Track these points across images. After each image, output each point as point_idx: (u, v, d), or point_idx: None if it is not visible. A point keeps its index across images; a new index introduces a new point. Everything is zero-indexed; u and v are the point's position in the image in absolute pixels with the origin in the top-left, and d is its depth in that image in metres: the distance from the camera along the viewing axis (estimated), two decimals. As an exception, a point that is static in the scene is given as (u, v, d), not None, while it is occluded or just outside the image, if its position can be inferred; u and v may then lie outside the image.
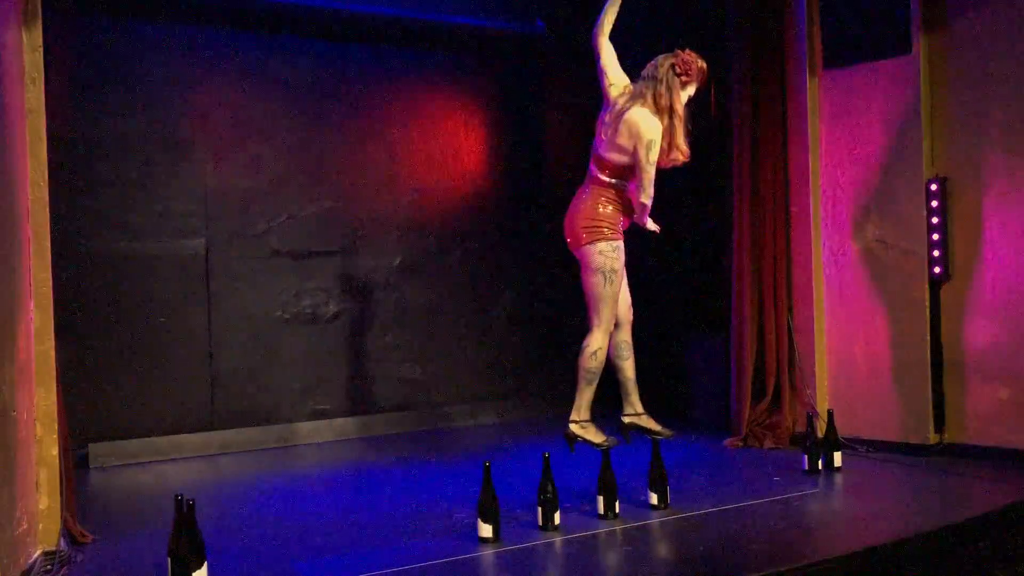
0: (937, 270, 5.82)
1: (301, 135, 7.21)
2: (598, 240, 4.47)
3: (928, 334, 5.83)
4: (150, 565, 3.92)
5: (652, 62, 4.55)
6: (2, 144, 3.79)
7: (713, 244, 7.12)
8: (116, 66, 6.56)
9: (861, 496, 5.04)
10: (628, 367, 4.72)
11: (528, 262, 8.11)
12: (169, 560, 3.52)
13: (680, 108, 4.44)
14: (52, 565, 3.98)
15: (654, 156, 4.37)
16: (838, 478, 5.31)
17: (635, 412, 4.73)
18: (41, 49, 4.21)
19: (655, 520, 4.47)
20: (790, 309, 6.37)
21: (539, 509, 4.30)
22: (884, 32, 5.94)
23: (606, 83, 4.68)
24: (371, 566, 3.84)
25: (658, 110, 4.42)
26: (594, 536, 4.22)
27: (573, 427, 4.47)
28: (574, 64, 8.24)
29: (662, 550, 4.10)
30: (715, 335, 6.97)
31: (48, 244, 4.23)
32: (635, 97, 4.49)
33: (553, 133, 8.25)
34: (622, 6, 4.72)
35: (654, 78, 4.47)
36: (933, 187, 5.81)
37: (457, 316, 7.82)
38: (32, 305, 4.16)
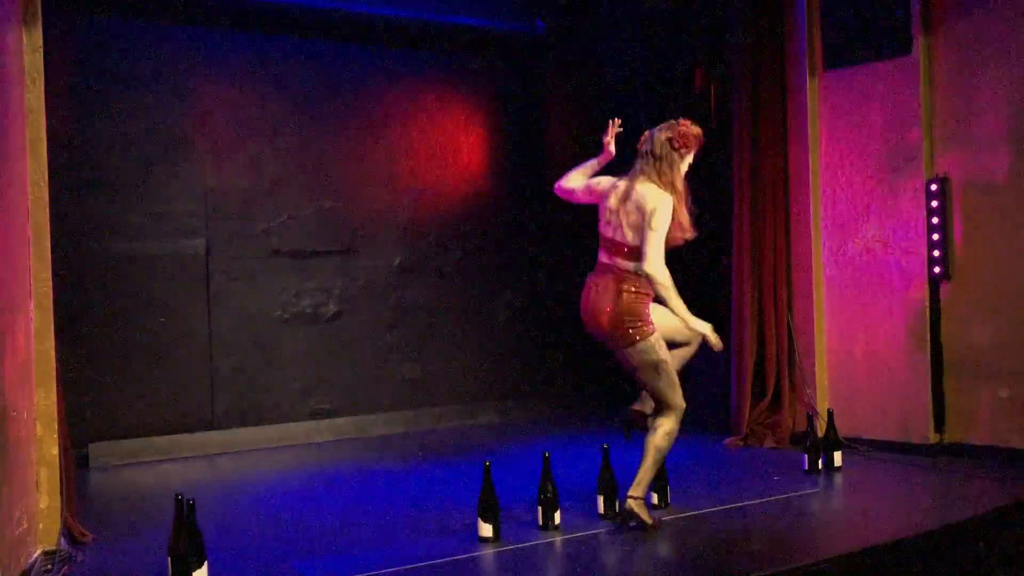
0: (937, 270, 5.82)
1: (301, 135, 7.21)
2: (636, 341, 4.25)
3: (928, 334, 5.83)
4: (150, 565, 3.92)
5: (648, 135, 4.40)
6: (2, 144, 3.79)
7: (713, 244, 7.11)
8: (116, 66, 6.56)
9: (861, 496, 5.04)
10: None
11: (528, 262, 8.11)
12: (169, 560, 3.52)
13: (680, 184, 4.34)
14: (52, 565, 3.98)
15: (657, 222, 4.20)
16: (838, 478, 5.31)
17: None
18: (41, 49, 4.21)
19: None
20: (790, 309, 6.37)
21: (539, 509, 4.31)
22: (884, 32, 5.94)
23: (592, 191, 4.52)
24: (371, 566, 3.84)
25: (661, 186, 4.31)
26: (594, 536, 4.23)
27: (631, 503, 4.25)
28: (574, 64, 8.27)
29: (662, 550, 4.10)
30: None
31: (48, 244, 4.24)
32: (637, 174, 4.35)
33: (553, 133, 8.25)
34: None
35: (653, 155, 4.33)
36: (933, 187, 5.81)
37: (457, 316, 7.82)
38: (32, 305, 4.16)
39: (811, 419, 5.49)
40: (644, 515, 4.26)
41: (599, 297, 4.34)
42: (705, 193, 7.25)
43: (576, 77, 8.27)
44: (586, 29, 8.20)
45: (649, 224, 4.22)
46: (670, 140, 4.33)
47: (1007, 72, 5.57)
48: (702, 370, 7.20)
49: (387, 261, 7.56)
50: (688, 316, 4.32)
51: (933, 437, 5.82)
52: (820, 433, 5.49)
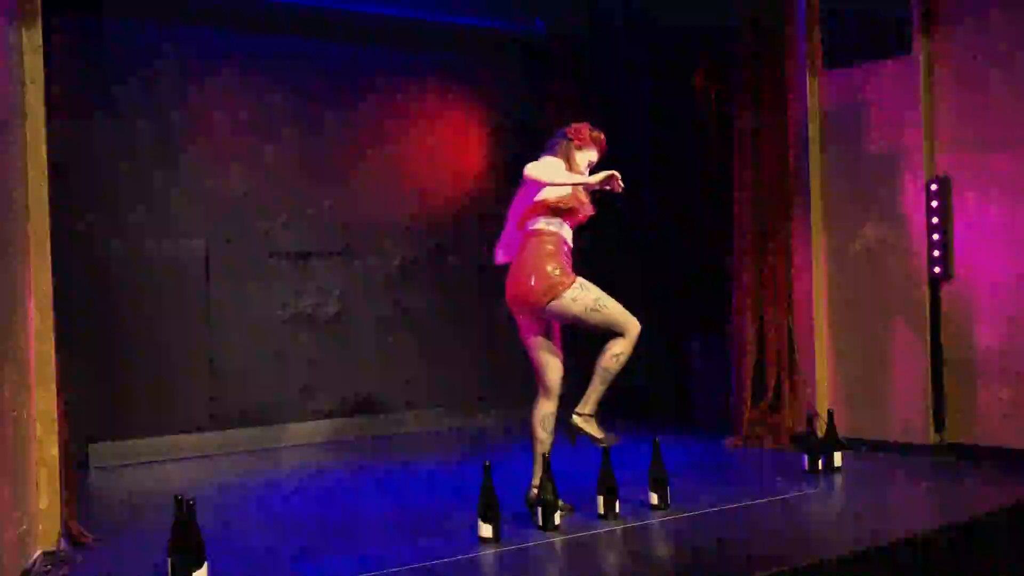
0: (937, 270, 5.82)
1: (301, 135, 7.20)
2: (562, 291, 4.40)
3: (928, 334, 5.83)
4: (150, 565, 3.91)
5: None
6: (2, 144, 3.79)
7: (713, 244, 7.12)
8: (116, 66, 6.56)
9: (861, 496, 5.04)
10: (550, 442, 4.66)
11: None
12: (169, 560, 3.52)
13: (575, 168, 4.60)
14: (52, 565, 3.98)
15: (531, 165, 4.45)
16: (838, 478, 5.31)
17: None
18: (41, 49, 4.21)
19: (655, 520, 4.47)
20: (790, 309, 6.37)
21: (539, 509, 4.30)
22: (884, 32, 5.94)
23: None
24: (371, 566, 3.84)
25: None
26: (594, 536, 4.22)
27: (577, 419, 4.44)
28: (574, 64, 8.26)
29: (662, 550, 4.10)
30: (715, 335, 6.97)
31: (48, 244, 4.23)
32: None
33: (553, 133, 8.22)
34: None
35: (551, 146, 4.69)
36: (933, 187, 5.81)
37: (457, 316, 7.81)
38: (32, 305, 4.16)
39: (811, 419, 5.49)
40: (592, 430, 4.41)
41: (519, 270, 4.54)
42: (705, 193, 7.32)
43: (576, 77, 8.27)
44: (586, 29, 8.19)
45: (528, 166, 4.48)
46: (564, 132, 4.71)
47: (1007, 71, 5.57)
48: (702, 370, 7.23)
49: (387, 261, 7.56)
50: (579, 179, 4.43)
51: (933, 437, 5.82)
52: (820, 433, 5.48)
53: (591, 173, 4.57)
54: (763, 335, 6.36)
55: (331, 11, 7.23)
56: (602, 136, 4.72)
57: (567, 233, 4.58)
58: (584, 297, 4.40)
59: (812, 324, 6.28)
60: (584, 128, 4.69)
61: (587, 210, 4.63)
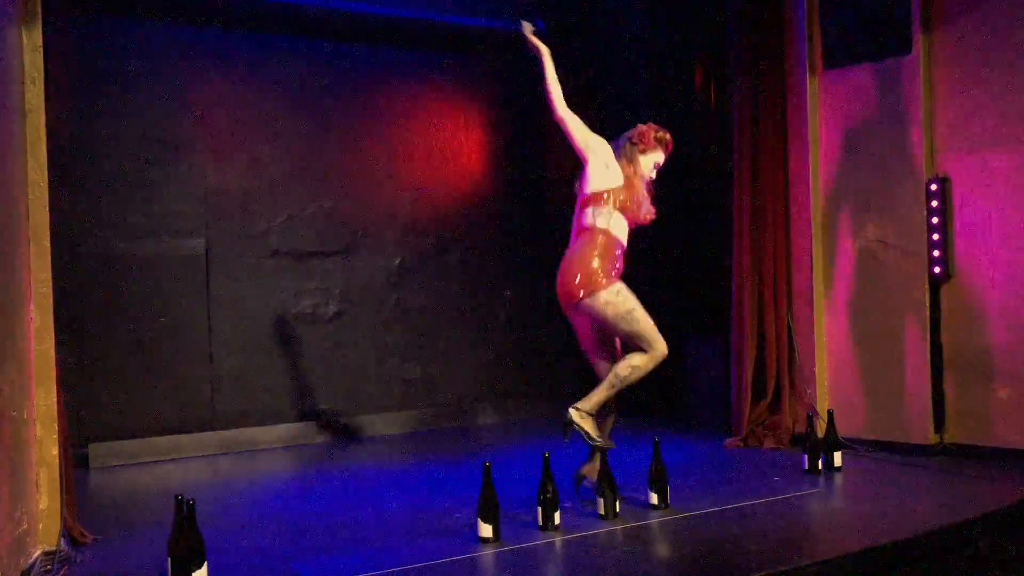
0: (937, 270, 5.82)
1: (301, 135, 7.21)
2: (599, 289, 4.49)
3: (928, 334, 5.83)
4: (150, 565, 3.92)
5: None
6: (2, 144, 3.79)
7: (713, 244, 7.12)
8: (116, 66, 6.56)
9: (861, 496, 5.04)
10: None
11: (528, 262, 8.11)
12: (169, 560, 3.52)
13: (636, 172, 4.70)
14: (52, 565, 3.98)
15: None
16: (838, 478, 5.31)
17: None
18: (41, 49, 4.21)
19: (655, 520, 4.47)
20: (790, 309, 6.37)
21: (539, 509, 4.30)
22: (884, 32, 5.94)
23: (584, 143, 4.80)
24: (371, 566, 3.84)
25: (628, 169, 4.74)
26: (594, 536, 4.22)
27: (573, 413, 4.45)
28: (574, 63, 8.25)
29: (662, 550, 4.10)
30: (715, 335, 6.97)
31: (48, 244, 4.23)
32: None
33: (553, 133, 8.21)
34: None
35: (622, 148, 4.78)
36: (933, 187, 5.81)
37: (457, 316, 7.82)
38: (32, 305, 4.16)
39: (811, 419, 5.49)
40: (587, 427, 4.41)
41: (567, 263, 4.60)
42: (705, 193, 7.32)
43: (576, 77, 8.26)
44: (587, 29, 8.19)
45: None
46: (629, 137, 4.78)
47: (1008, 71, 5.57)
48: (702, 370, 7.23)
49: (387, 261, 7.56)
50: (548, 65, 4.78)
51: (933, 437, 5.82)
52: (820, 433, 5.48)
53: (658, 173, 4.74)
54: (763, 335, 6.36)
55: (331, 11, 7.23)
56: (668, 136, 4.78)
57: (622, 232, 4.62)
58: (618, 303, 4.44)
59: (812, 324, 6.28)
60: (648, 132, 4.74)
61: (645, 212, 4.67)
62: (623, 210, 4.61)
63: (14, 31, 4.06)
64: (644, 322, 4.47)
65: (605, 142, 4.70)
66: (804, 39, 6.26)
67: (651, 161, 4.74)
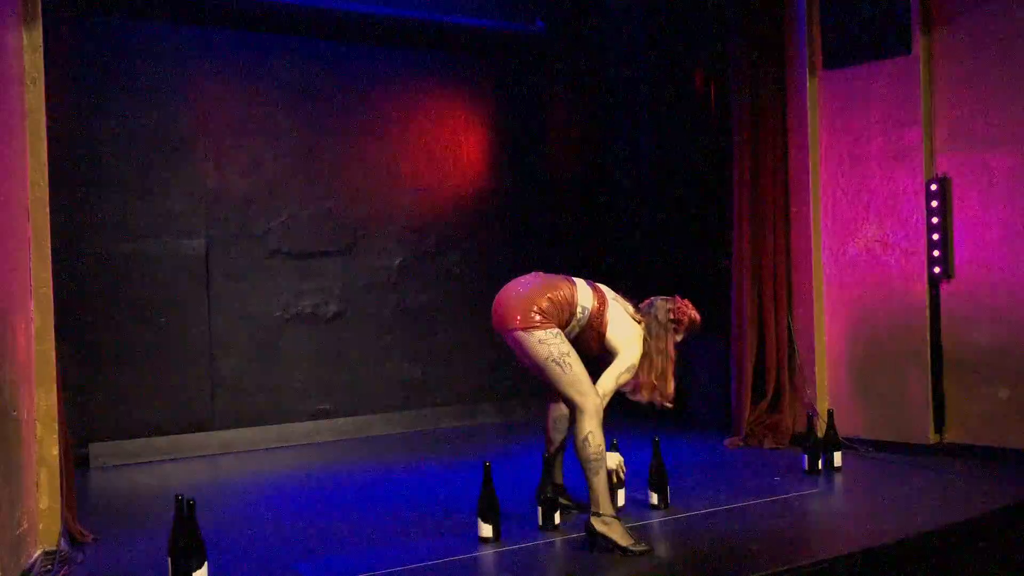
0: (937, 270, 5.82)
1: (301, 135, 7.21)
2: (536, 327, 4.04)
3: (928, 334, 5.83)
4: (150, 565, 3.92)
5: (650, 301, 4.43)
6: (2, 144, 3.79)
7: (713, 244, 7.12)
8: (116, 66, 6.56)
9: (861, 496, 5.04)
10: (560, 440, 4.50)
11: (528, 262, 8.04)
12: (169, 560, 3.52)
13: (670, 349, 4.33)
14: (52, 565, 3.97)
15: (630, 353, 4.20)
16: (838, 478, 5.31)
17: (556, 483, 4.47)
18: (41, 49, 4.21)
19: (655, 520, 4.47)
20: (790, 309, 6.37)
21: (539, 509, 4.30)
22: (884, 32, 5.94)
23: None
24: (371, 566, 3.84)
25: (649, 341, 4.32)
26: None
27: (595, 521, 3.93)
28: (574, 64, 8.26)
29: (662, 550, 4.10)
30: (715, 335, 6.96)
31: (48, 244, 4.23)
32: (638, 314, 4.39)
33: (553, 133, 8.25)
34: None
35: (655, 317, 4.35)
36: (933, 187, 5.81)
37: (457, 316, 7.81)
38: (32, 305, 4.16)
39: (811, 419, 5.49)
40: (616, 536, 3.89)
41: (514, 288, 4.27)
42: (705, 193, 7.32)
43: (577, 77, 8.27)
44: (587, 29, 8.20)
45: (624, 346, 4.21)
46: (670, 311, 4.36)
47: (1008, 71, 5.57)
48: (702, 370, 7.23)
49: (387, 261, 7.56)
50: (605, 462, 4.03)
51: (933, 437, 5.82)
52: (820, 433, 5.49)
53: None
54: (763, 335, 6.36)
55: (331, 11, 7.23)
56: (699, 319, 4.41)
57: (584, 325, 4.25)
58: (554, 344, 4.02)
59: (812, 324, 6.28)
60: (685, 316, 4.35)
61: (668, 394, 4.33)
62: (641, 386, 4.26)
63: (14, 31, 4.06)
64: (579, 372, 4.02)
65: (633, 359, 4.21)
66: (804, 39, 6.26)
67: (674, 340, 4.37)
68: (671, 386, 4.34)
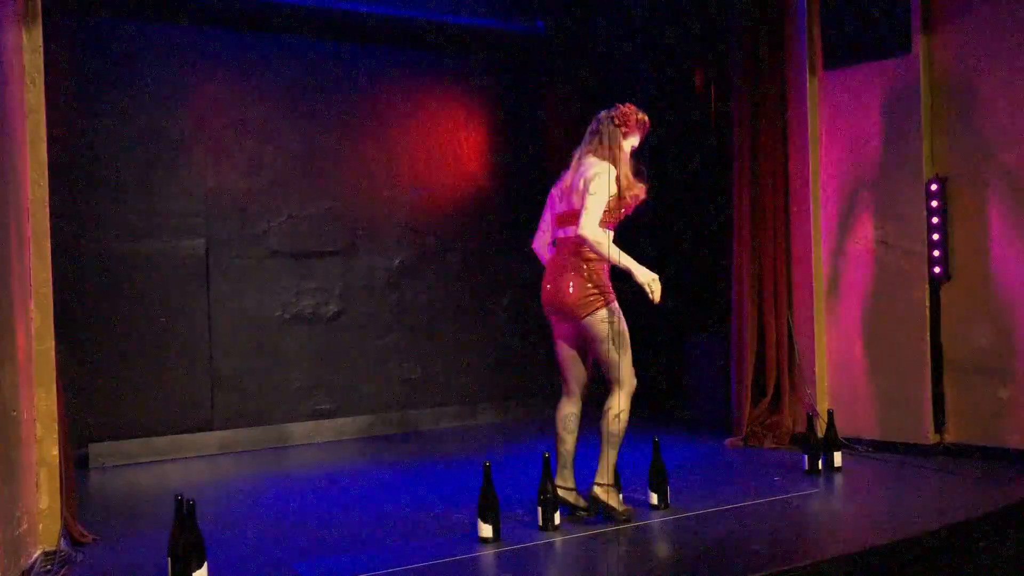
0: (937, 270, 5.82)
1: (301, 135, 7.21)
2: (598, 308, 4.38)
3: (928, 334, 5.83)
4: (150, 565, 3.92)
5: (595, 117, 4.61)
6: (2, 144, 3.79)
7: (713, 244, 7.12)
8: (116, 66, 6.57)
9: (861, 496, 5.04)
10: (572, 441, 4.58)
11: (528, 262, 8.06)
12: (169, 560, 3.52)
13: (620, 155, 4.47)
14: (52, 565, 3.98)
15: (595, 186, 4.33)
16: (838, 478, 5.31)
17: (567, 487, 4.53)
18: (41, 49, 4.21)
19: (655, 520, 4.47)
20: (790, 309, 6.37)
21: (539, 509, 4.31)
22: (884, 32, 5.94)
23: (551, 205, 4.82)
24: (371, 566, 3.84)
25: (602, 157, 4.47)
26: (594, 536, 4.22)
27: (598, 490, 4.38)
28: (574, 64, 8.26)
29: (662, 550, 4.10)
30: (715, 335, 6.97)
31: (48, 244, 4.24)
32: (583, 151, 4.56)
33: (553, 133, 8.24)
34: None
35: (596, 132, 4.55)
36: (933, 187, 5.81)
37: (457, 316, 7.82)
38: (32, 305, 4.16)
39: (811, 419, 5.49)
40: (613, 502, 4.36)
41: (559, 276, 4.52)
42: (705, 193, 7.32)
43: (576, 77, 8.27)
44: (586, 29, 8.20)
45: (588, 188, 4.36)
46: (612, 118, 4.53)
47: (1008, 71, 5.57)
48: (702, 370, 7.23)
49: (387, 261, 7.56)
50: (633, 265, 4.35)
51: (933, 437, 5.82)
52: (820, 433, 5.49)
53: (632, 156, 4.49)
54: (763, 335, 6.36)
55: (331, 11, 7.23)
56: (647, 119, 4.56)
57: (610, 236, 4.43)
58: (614, 323, 4.37)
59: (812, 324, 6.28)
60: (631, 115, 4.50)
61: (638, 192, 4.47)
62: (617, 208, 4.42)
63: (14, 31, 4.06)
64: (624, 350, 4.39)
65: (599, 197, 4.36)
66: (804, 39, 6.26)
67: (630, 144, 4.54)
68: (637, 187, 4.48)
